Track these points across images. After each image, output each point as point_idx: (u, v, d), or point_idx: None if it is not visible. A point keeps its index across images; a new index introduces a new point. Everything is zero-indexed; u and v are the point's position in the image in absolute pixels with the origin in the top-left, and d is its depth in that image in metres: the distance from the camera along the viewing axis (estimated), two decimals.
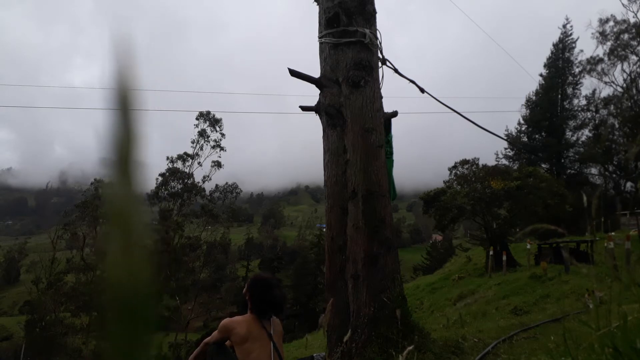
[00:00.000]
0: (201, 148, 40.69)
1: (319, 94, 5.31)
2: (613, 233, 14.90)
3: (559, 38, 35.10)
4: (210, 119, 40.69)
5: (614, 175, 32.84)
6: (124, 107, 0.35)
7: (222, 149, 41.06)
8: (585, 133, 33.40)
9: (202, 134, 40.73)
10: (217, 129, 41.02)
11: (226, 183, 48.76)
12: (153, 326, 0.34)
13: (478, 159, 21.61)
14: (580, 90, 34.04)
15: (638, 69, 31.34)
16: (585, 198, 1.27)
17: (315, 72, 5.38)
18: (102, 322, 0.33)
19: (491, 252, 15.97)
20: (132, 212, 0.35)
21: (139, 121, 0.36)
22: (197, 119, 40.68)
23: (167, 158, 39.45)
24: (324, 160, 5.20)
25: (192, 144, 40.58)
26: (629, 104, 31.13)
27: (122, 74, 0.36)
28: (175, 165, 39.32)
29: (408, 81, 5.97)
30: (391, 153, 5.54)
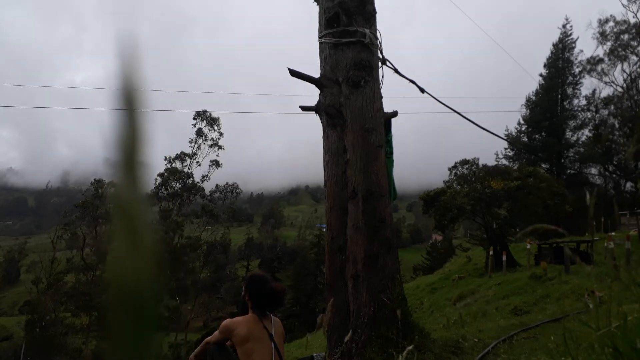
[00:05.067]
0: (199, 147, 40.77)
1: (319, 94, 5.31)
2: (613, 233, 14.91)
3: (559, 38, 35.13)
4: (207, 118, 40.70)
5: (614, 175, 32.85)
6: (130, 106, 0.35)
7: (220, 147, 41.12)
8: (585, 133, 33.43)
9: (200, 133, 40.77)
10: (215, 128, 41.08)
11: (226, 183, 48.90)
12: (158, 325, 0.35)
13: (478, 159, 21.67)
14: (580, 90, 34.08)
15: (638, 69, 31.40)
16: (588, 197, 1.27)
17: (318, 72, 5.39)
18: (106, 321, 0.33)
19: (491, 252, 15.97)
20: (137, 212, 0.35)
21: (145, 121, 0.36)
22: (194, 118, 40.75)
23: (165, 158, 39.48)
24: (324, 160, 5.20)
25: (190, 144, 40.63)
26: (629, 104, 31.16)
27: (127, 74, 0.35)
28: (173, 165, 39.36)
29: (408, 81, 5.97)
30: (391, 153, 5.55)
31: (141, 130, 0.35)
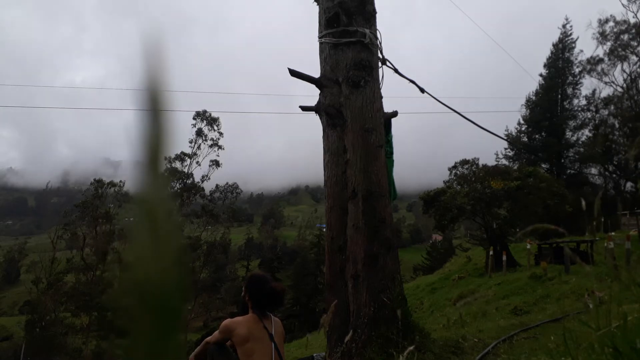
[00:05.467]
0: (199, 147, 40.73)
1: (319, 94, 5.31)
2: (613, 233, 14.90)
3: (559, 38, 35.12)
4: (207, 118, 40.65)
5: (614, 175, 32.84)
6: (154, 107, 0.35)
7: (220, 147, 41.06)
8: (585, 133, 33.42)
9: (200, 133, 40.73)
10: (215, 128, 41.03)
11: (226, 183, 48.88)
12: (183, 325, 0.35)
13: (478, 159, 21.66)
14: (580, 90, 34.05)
15: (638, 69, 31.38)
16: (583, 202, 1.28)
17: (318, 72, 5.39)
18: (128, 321, 0.33)
19: (491, 252, 15.97)
20: (163, 212, 0.35)
21: (168, 121, 0.36)
22: (194, 118, 40.71)
23: (165, 158, 39.35)
24: (324, 160, 5.20)
25: (190, 144, 40.59)
26: (629, 104, 31.15)
27: (152, 75, 0.36)
28: (173, 165, 39.34)
29: (408, 81, 5.97)
30: (391, 153, 5.55)
31: (165, 131, 0.35)
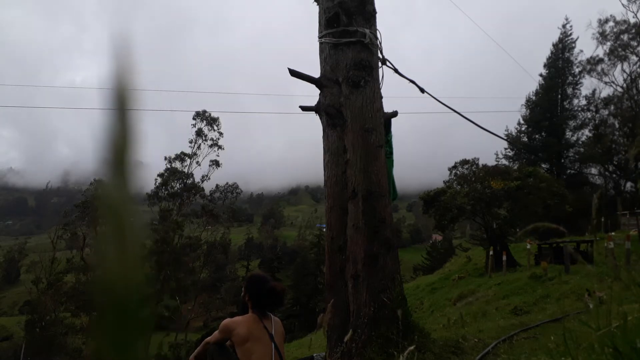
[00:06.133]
0: (199, 147, 40.69)
1: (319, 94, 5.31)
2: (613, 233, 14.90)
3: (559, 38, 35.15)
4: (207, 118, 40.62)
5: (614, 175, 32.84)
6: (122, 106, 0.35)
7: (220, 147, 41.03)
8: (585, 133, 33.44)
9: (200, 133, 40.70)
10: (215, 128, 41.01)
11: (226, 183, 48.87)
12: (146, 327, 0.34)
13: (478, 159, 21.66)
14: (580, 90, 34.09)
15: (638, 69, 31.37)
16: (595, 200, 1.27)
17: (318, 72, 5.39)
18: (95, 322, 0.33)
19: (491, 252, 15.97)
20: (126, 213, 0.34)
21: (136, 121, 0.36)
22: (194, 118, 40.69)
23: (165, 158, 39.43)
24: (324, 160, 5.20)
25: (190, 144, 40.56)
26: (629, 104, 31.14)
27: (120, 73, 0.35)
28: (173, 165, 39.33)
29: (408, 81, 5.97)
30: (391, 153, 5.55)
31: (132, 130, 0.35)
